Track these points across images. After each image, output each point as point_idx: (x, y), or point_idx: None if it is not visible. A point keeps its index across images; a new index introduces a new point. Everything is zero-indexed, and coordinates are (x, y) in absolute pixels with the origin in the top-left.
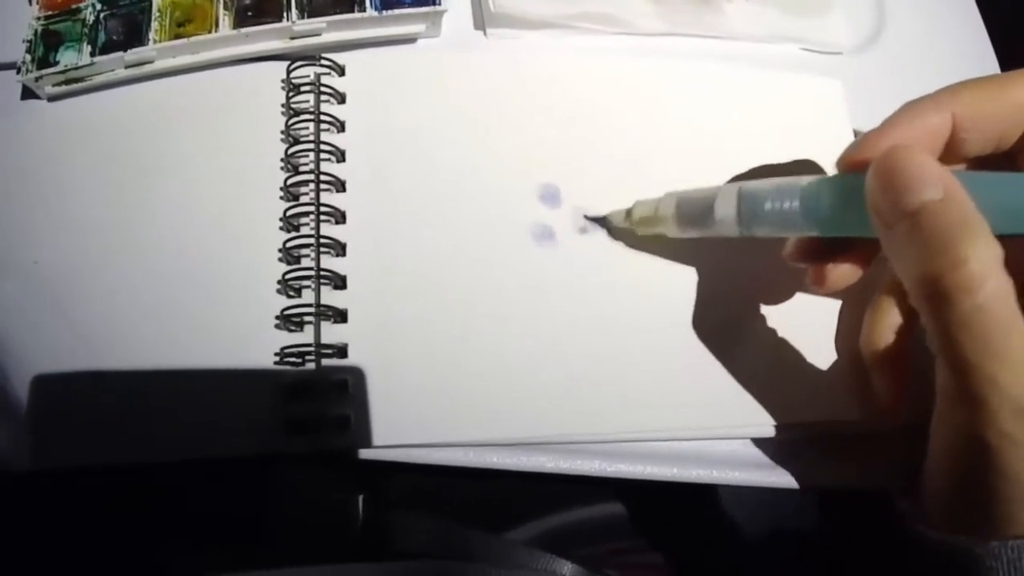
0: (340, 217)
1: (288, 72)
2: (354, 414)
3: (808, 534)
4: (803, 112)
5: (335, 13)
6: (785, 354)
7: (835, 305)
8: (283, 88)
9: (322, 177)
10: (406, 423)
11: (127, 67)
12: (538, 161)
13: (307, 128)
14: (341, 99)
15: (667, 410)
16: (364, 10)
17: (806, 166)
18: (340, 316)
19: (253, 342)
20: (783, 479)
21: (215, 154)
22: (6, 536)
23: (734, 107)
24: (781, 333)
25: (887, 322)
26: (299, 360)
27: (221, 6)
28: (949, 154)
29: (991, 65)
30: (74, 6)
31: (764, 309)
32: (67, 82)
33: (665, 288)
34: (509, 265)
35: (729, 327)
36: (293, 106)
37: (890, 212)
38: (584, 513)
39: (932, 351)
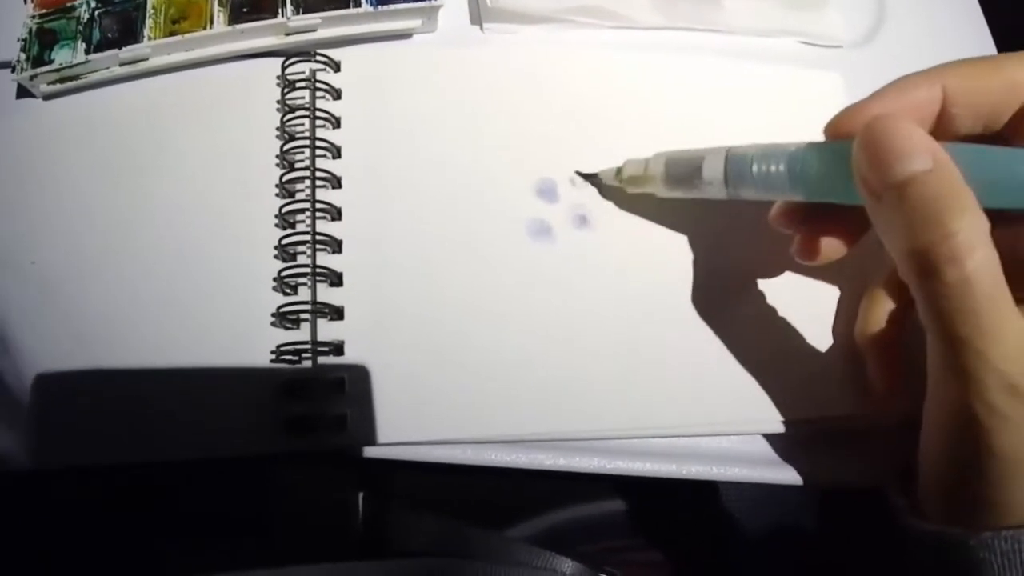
0: (336, 213)
1: (283, 68)
2: (351, 412)
3: (808, 531)
4: (802, 107)
5: (330, 9)
6: (784, 351)
7: (833, 303)
8: (278, 84)
9: (318, 173)
10: (403, 421)
11: (122, 65)
12: (535, 156)
13: (302, 124)
14: (337, 95)
15: (664, 407)
16: (359, 5)
17: None
18: (336, 313)
19: (249, 340)
20: (783, 475)
21: (210, 151)
22: (7, 535)
23: (732, 101)
24: (781, 330)
25: (882, 309)
26: (295, 358)
27: (216, 3)
28: (939, 130)
29: None
30: (69, 4)
31: (763, 307)
32: (62, 80)
33: (662, 285)
34: (506, 261)
35: (727, 324)
36: (288, 102)
37: (877, 182)
38: (583, 510)
39: (922, 325)
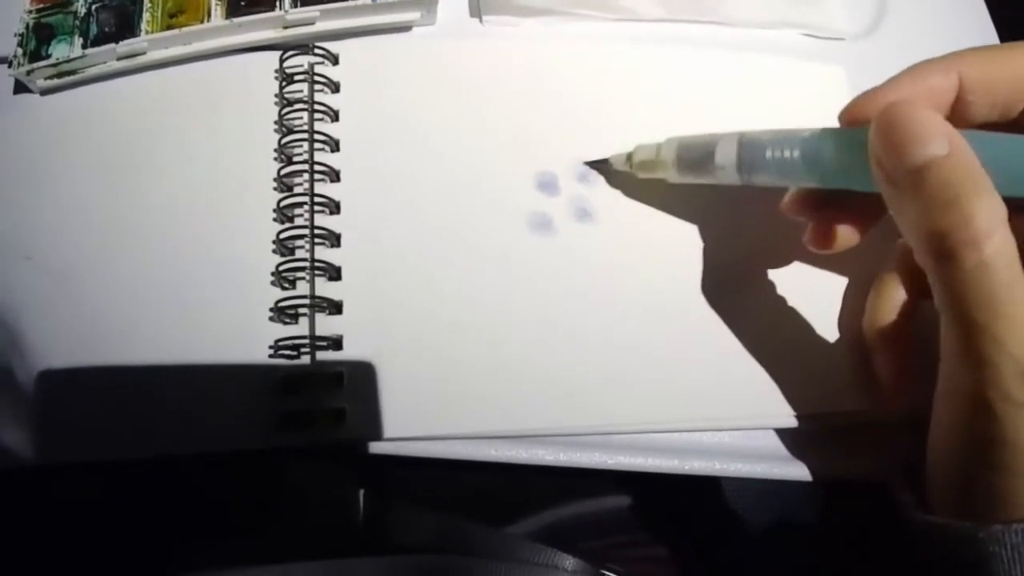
0: (334, 207)
1: (281, 62)
2: (350, 407)
3: (810, 525)
4: (804, 99)
5: (328, 1)
6: (791, 346)
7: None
8: (276, 78)
9: (316, 167)
10: (403, 416)
11: (119, 59)
12: (535, 149)
13: (301, 118)
14: (335, 88)
15: (668, 402)
16: None
17: None
18: (335, 308)
19: (247, 335)
20: (786, 471)
21: (208, 145)
22: (8, 533)
23: (734, 94)
24: (788, 323)
25: (890, 301)
26: (294, 353)
27: None
28: (954, 118)
29: None
30: None
31: (770, 300)
32: (59, 75)
33: (664, 277)
34: (507, 254)
35: (732, 317)
36: (286, 96)
37: (894, 168)
38: (585, 506)
39: (938, 310)
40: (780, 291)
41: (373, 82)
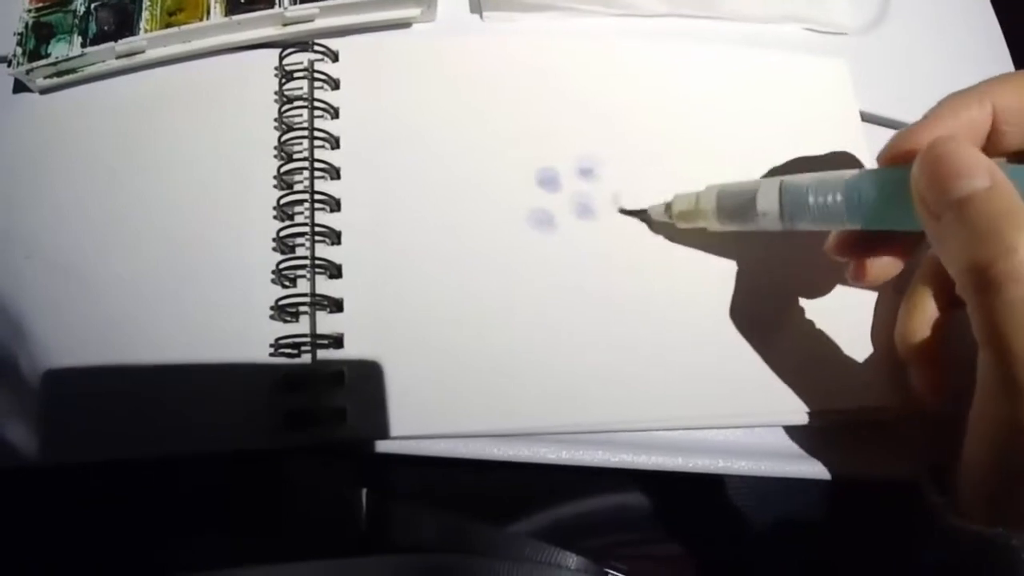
0: (335, 205)
1: (281, 59)
2: (351, 406)
3: (817, 524)
4: (808, 93)
5: None
6: (815, 342)
7: (868, 294)
8: (276, 75)
9: (316, 164)
10: (404, 414)
11: (118, 57)
12: (536, 146)
13: (301, 115)
14: (335, 85)
15: (673, 399)
16: None
17: (814, 148)
18: (335, 306)
19: (247, 333)
20: (793, 468)
21: (208, 143)
22: (10, 533)
23: (738, 88)
24: (798, 320)
25: (923, 315)
26: (294, 351)
27: None
28: (989, 147)
29: (998, 44)
30: None
31: (794, 298)
32: (58, 74)
33: (666, 272)
34: (508, 251)
35: (737, 313)
36: (286, 93)
37: (937, 201)
38: (588, 505)
39: (977, 341)
40: (814, 296)
41: (373, 79)
